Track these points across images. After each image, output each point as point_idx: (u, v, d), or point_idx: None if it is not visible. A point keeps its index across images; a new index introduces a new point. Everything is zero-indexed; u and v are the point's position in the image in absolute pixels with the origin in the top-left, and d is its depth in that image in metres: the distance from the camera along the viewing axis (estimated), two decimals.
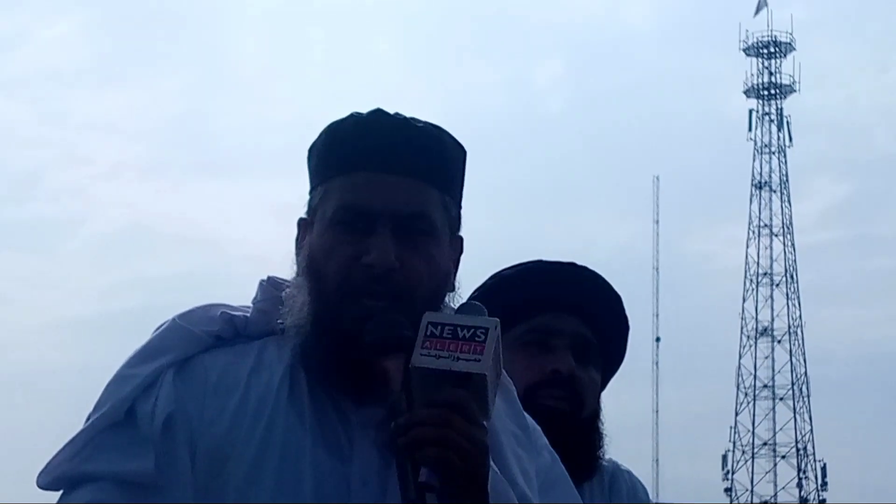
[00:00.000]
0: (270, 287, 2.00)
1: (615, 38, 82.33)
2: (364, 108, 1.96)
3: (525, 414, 2.05)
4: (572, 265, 2.63)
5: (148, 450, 1.89)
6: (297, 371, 1.93)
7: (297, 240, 1.99)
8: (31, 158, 77.87)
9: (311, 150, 2.00)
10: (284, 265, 2.02)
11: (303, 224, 1.99)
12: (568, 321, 2.49)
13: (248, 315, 2.00)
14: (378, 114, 1.94)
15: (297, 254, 1.98)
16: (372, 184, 1.89)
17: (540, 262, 2.63)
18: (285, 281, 2.00)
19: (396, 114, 1.95)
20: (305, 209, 1.99)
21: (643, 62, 78.57)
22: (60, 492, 1.93)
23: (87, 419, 1.95)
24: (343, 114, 1.97)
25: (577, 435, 2.52)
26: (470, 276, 2.14)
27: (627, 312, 2.68)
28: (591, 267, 2.68)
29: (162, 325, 1.99)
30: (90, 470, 1.90)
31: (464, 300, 1.96)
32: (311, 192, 1.98)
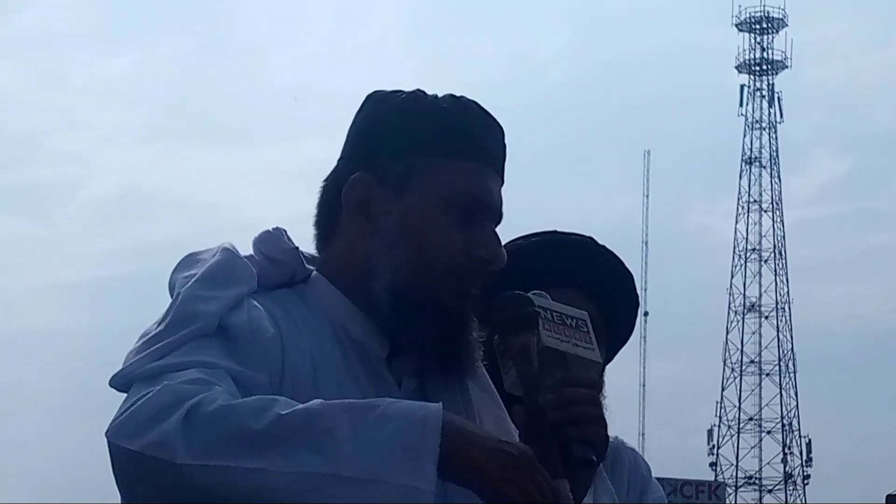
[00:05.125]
0: (285, 238, 1.93)
1: (613, 13, 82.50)
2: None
3: None
4: (583, 241, 2.58)
5: (260, 361, 1.75)
6: (339, 333, 1.87)
7: (352, 197, 1.89)
8: (30, 122, 78.00)
9: (402, 113, 1.92)
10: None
11: (366, 184, 1.89)
12: (571, 298, 2.36)
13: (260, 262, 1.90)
14: (479, 106, 1.96)
15: (357, 212, 1.89)
16: (490, 179, 1.93)
17: (553, 234, 2.59)
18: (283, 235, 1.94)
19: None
20: (362, 166, 1.90)
21: (638, 36, 78.73)
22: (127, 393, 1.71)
23: (153, 337, 1.75)
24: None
25: None
26: None
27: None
28: None
29: (212, 254, 1.86)
30: (196, 359, 1.70)
31: None
32: (398, 157, 1.90)
